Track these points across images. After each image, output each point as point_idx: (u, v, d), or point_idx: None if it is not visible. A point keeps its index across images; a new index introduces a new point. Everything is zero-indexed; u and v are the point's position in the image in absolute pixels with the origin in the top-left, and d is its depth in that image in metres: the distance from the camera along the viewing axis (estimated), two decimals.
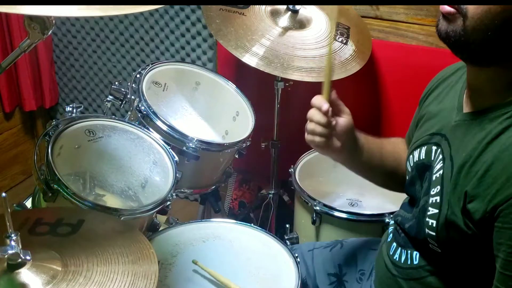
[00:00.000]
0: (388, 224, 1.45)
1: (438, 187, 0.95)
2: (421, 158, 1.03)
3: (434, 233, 0.95)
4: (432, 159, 1.00)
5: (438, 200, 0.94)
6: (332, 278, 1.28)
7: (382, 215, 1.48)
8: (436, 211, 0.94)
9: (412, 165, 1.08)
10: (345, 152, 1.15)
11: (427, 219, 0.96)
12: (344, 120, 1.12)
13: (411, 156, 1.08)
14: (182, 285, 1.18)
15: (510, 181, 0.81)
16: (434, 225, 0.94)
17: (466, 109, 0.96)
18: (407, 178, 1.12)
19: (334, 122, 1.11)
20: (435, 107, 1.07)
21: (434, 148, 1.00)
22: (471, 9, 0.81)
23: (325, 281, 1.28)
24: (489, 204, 0.83)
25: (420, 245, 1.02)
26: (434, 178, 0.97)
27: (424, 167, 1.02)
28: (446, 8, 0.85)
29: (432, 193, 0.96)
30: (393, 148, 1.26)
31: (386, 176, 1.26)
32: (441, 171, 0.95)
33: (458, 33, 0.84)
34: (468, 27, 0.82)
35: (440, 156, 0.97)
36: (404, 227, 1.07)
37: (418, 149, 1.05)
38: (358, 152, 1.18)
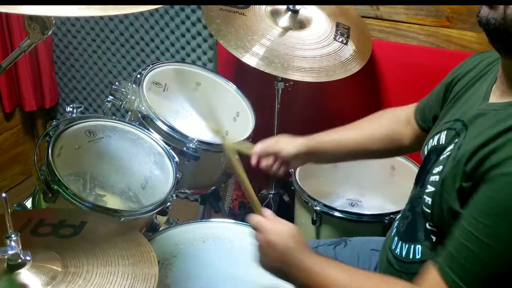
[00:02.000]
0: (387, 224, 1.45)
1: (441, 166, 0.95)
2: (441, 143, 1.03)
3: (429, 211, 0.96)
4: (448, 142, 1.00)
5: (437, 179, 0.95)
6: None
7: (382, 215, 1.48)
8: (433, 189, 0.95)
9: (429, 148, 1.08)
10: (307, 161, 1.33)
11: (424, 196, 0.98)
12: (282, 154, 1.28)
13: (431, 140, 1.08)
14: (182, 285, 1.18)
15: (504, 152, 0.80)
16: (430, 202, 0.95)
17: (492, 99, 0.95)
18: (422, 159, 1.12)
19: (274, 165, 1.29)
20: (461, 96, 1.06)
21: (453, 133, 1.00)
22: None
23: None
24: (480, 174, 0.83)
25: (418, 230, 1.02)
26: (441, 158, 0.98)
27: (440, 151, 1.02)
28: None
29: (434, 171, 0.97)
30: (359, 132, 1.31)
31: (368, 154, 1.32)
32: (449, 153, 0.95)
33: (498, 21, 0.83)
34: (509, 16, 0.82)
35: (455, 140, 0.97)
36: (406, 217, 1.08)
37: (439, 134, 1.05)
38: (316, 158, 1.33)
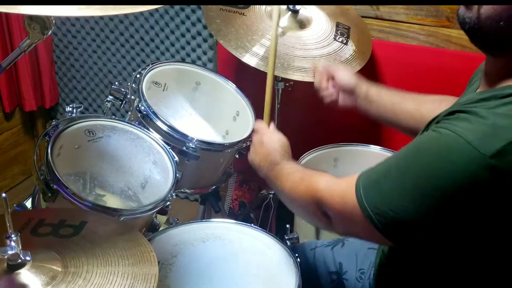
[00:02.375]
0: None
1: None
2: None
3: None
4: None
5: None
6: (333, 276, 1.28)
7: None
8: None
9: None
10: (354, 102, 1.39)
11: None
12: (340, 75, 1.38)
13: None
14: (182, 285, 1.18)
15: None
16: None
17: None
18: None
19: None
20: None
21: None
22: None
23: (326, 279, 1.29)
24: None
25: None
26: None
27: None
28: None
29: None
30: (416, 107, 1.31)
31: (408, 131, 1.33)
32: None
33: (473, 20, 0.84)
34: (482, 15, 0.83)
35: None
36: None
37: None
38: (366, 105, 1.37)
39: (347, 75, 1.41)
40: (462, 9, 0.87)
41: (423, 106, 1.29)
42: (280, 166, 1.17)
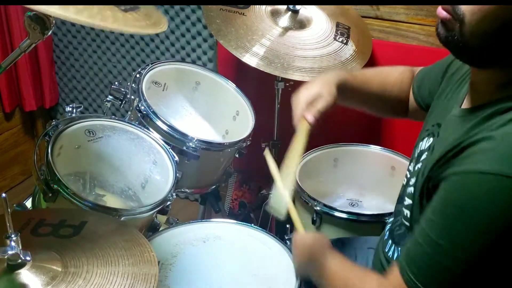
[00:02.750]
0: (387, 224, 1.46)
1: (415, 177, 0.97)
2: (424, 148, 1.04)
3: (408, 224, 0.97)
4: (426, 149, 1.01)
5: (412, 191, 0.97)
6: None
7: (382, 215, 1.48)
8: (410, 201, 0.97)
9: (418, 153, 1.08)
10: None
11: (403, 209, 1.00)
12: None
13: (420, 143, 1.08)
14: (182, 285, 1.18)
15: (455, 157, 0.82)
16: (408, 215, 0.97)
17: (464, 105, 0.96)
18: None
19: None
20: (444, 99, 1.07)
21: (431, 139, 1.01)
22: (468, 15, 0.80)
23: None
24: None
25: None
26: (416, 168, 0.99)
27: (418, 158, 1.04)
28: (442, 13, 0.84)
29: (410, 183, 1.00)
30: (383, 79, 1.31)
31: (379, 101, 1.32)
32: (421, 163, 0.97)
33: (457, 39, 0.83)
34: (466, 33, 0.81)
35: (429, 148, 0.98)
36: (396, 222, 1.08)
37: (425, 139, 1.05)
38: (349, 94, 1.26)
39: (326, 89, 1.21)
40: (441, 28, 0.85)
41: (388, 77, 1.32)
42: (323, 260, 1.07)
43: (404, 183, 1.08)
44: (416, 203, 0.95)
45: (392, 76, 1.32)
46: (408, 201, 0.99)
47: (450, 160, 0.83)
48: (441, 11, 0.84)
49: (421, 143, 1.05)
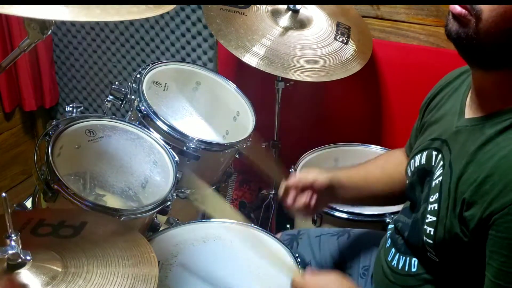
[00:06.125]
0: (387, 224, 1.45)
1: (437, 194, 0.94)
2: (422, 163, 1.03)
3: (431, 241, 0.94)
4: (433, 164, 0.99)
5: (436, 208, 0.93)
6: (337, 268, 1.28)
7: (383, 215, 1.48)
8: (434, 218, 0.93)
9: (413, 170, 1.07)
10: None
11: (425, 226, 0.95)
12: (318, 183, 1.17)
13: (412, 161, 1.07)
14: (182, 285, 1.18)
15: (507, 189, 0.79)
16: (432, 233, 0.93)
17: (469, 114, 0.94)
18: (407, 182, 1.11)
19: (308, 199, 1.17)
20: (436, 113, 1.05)
21: (434, 153, 0.99)
22: (486, 12, 0.78)
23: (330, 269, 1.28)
24: (485, 211, 0.82)
25: (419, 252, 1.01)
26: (433, 184, 0.96)
27: (425, 173, 1.01)
28: (457, 8, 0.81)
29: (431, 200, 0.95)
30: (382, 172, 1.25)
31: (383, 198, 1.27)
32: (440, 178, 0.94)
33: (470, 36, 0.80)
34: (481, 30, 0.79)
35: (441, 163, 0.95)
36: (404, 233, 1.07)
37: (420, 154, 1.04)
38: (343, 193, 1.21)
39: (319, 178, 1.18)
40: (453, 24, 0.83)
41: (387, 168, 1.26)
42: None
43: (417, 193, 1.05)
44: (446, 219, 0.91)
45: (388, 168, 1.26)
46: (431, 218, 0.94)
47: (489, 197, 0.82)
48: (455, 6, 0.82)
49: (416, 157, 1.04)
